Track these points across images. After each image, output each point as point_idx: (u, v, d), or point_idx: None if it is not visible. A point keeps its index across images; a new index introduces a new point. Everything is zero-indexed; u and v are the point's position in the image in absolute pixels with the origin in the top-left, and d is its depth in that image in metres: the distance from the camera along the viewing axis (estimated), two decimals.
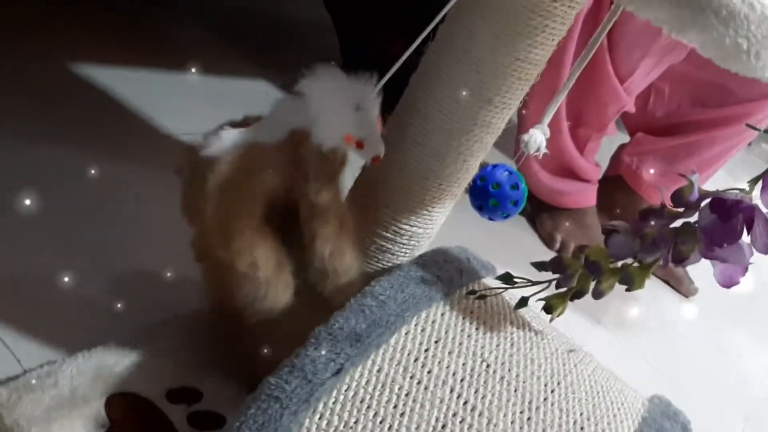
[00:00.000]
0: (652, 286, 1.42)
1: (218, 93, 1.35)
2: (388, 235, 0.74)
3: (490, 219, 0.88)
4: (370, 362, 0.57)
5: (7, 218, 0.82)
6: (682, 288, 1.46)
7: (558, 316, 0.64)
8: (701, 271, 0.57)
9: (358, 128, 0.59)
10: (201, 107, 1.25)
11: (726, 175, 1.68)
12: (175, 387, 0.68)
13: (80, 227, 0.86)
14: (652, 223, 0.59)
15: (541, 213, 1.44)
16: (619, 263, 0.62)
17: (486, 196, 0.84)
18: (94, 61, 1.22)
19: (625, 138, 1.55)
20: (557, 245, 1.40)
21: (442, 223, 0.79)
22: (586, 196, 1.43)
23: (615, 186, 1.50)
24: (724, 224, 0.53)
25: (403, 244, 0.75)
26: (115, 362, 0.66)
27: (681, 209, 0.57)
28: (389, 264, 0.76)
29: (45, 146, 0.97)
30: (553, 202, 1.42)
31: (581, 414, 0.60)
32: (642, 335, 1.26)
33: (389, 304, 0.60)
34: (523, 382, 0.60)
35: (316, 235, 0.61)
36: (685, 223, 0.57)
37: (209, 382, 0.69)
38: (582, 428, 0.59)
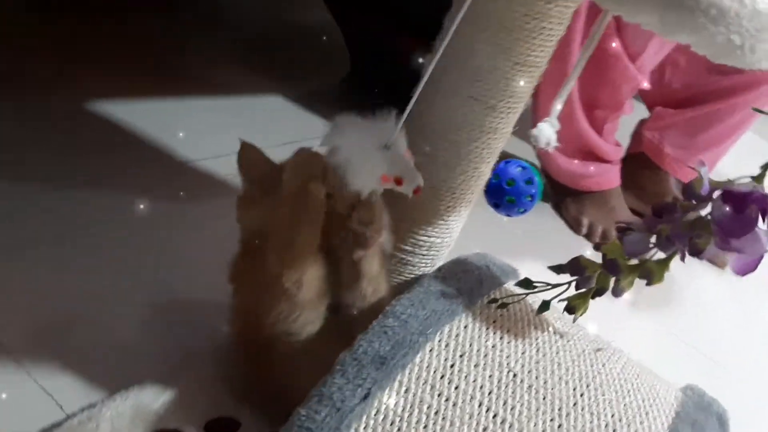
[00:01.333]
0: (686, 262, 1.40)
1: (234, 113, 1.36)
2: (407, 247, 0.75)
3: (507, 215, 0.87)
4: (396, 384, 0.57)
5: (36, 265, 0.84)
6: (718, 260, 1.43)
7: (580, 315, 0.64)
8: None
9: (391, 166, 0.59)
10: (221, 130, 1.26)
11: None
12: (213, 418, 0.69)
13: (108, 266, 0.87)
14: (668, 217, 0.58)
15: (565, 198, 1.43)
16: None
17: (501, 194, 0.83)
18: (109, 96, 1.24)
19: (644, 113, 1.53)
20: (584, 229, 1.39)
21: (459, 230, 0.79)
22: (609, 178, 1.41)
23: (638, 163, 1.48)
24: (737, 215, 0.52)
25: (423, 255, 0.76)
26: (152, 400, 0.68)
27: (693, 202, 0.57)
28: (411, 276, 0.76)
29: (67, 191, 0.98)
30: (576, 186, 1.41)
31: (612, 416, 0.59)
32: (678, 314, 1.24)
33: (411, 323, 0.60)
34: (552, 389, 0.60)
35: (361, 275, 0.64)
36: (698, 217, 0.56)
37: (246, 411, 0.70)
38: (614, 431, 0.59)
